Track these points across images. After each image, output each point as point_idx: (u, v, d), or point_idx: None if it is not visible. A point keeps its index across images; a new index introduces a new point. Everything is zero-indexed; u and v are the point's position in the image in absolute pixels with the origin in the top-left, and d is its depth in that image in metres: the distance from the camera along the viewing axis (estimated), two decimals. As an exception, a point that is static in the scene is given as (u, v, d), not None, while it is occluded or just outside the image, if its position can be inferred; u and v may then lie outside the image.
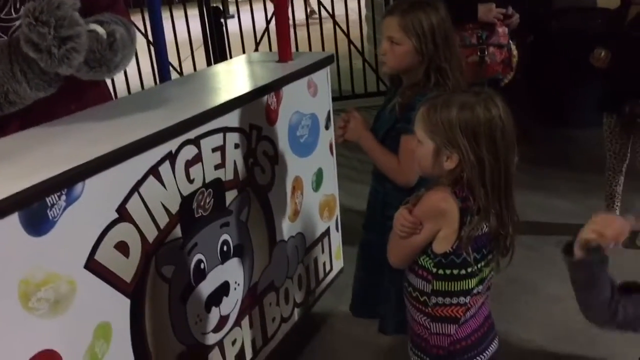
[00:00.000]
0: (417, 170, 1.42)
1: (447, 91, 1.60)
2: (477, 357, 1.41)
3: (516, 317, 2.31)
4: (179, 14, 5.24)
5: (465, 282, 1.36)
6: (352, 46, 5.40)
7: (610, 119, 2.77)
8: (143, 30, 5.18)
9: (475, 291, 1.37)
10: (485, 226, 1.31)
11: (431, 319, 1.39)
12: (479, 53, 2.77)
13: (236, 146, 1.76)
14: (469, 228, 1.29)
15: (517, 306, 2.39)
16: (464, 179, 1.29)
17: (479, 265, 1.35)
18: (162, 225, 1.49)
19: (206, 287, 1.66)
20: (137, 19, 5.32)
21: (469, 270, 1.34)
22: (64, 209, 1.21)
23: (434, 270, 1.35)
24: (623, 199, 2.89)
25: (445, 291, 1.36)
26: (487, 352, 1.43)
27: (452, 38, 1.69)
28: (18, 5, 1.44)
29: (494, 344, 1.45)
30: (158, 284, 1.49)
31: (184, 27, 5.23)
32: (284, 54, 2.17)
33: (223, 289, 1.73)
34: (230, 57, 5.29)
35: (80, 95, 1.61)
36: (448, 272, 1.35)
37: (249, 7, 5.41)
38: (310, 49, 5.12)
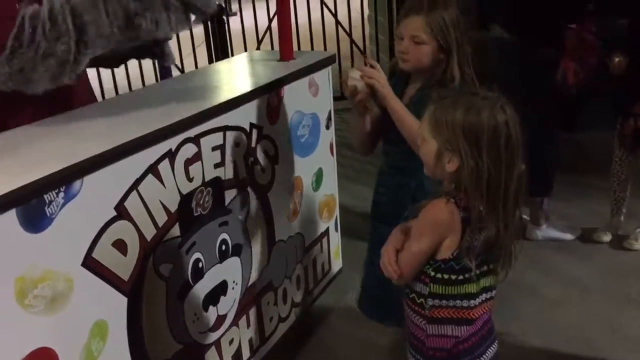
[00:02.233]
0: (425, 169, 1.40)
1: (468, 88, 1.61)
2: None
3: (515, 319, 2.31)
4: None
5: (463, 287, 1.35)
6: (354, 46, 5.39)
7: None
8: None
9: (479, 299, 1.36)
10: (484, 234, 1.30)
11: (428, 321, 1.38)
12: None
13: (236, 145, 1.75)
14: (469, 237, 1.29)
15: (517, 309, 2.39)
16: (463, 184, 1.28)
17: (477, 272, 1.34)
18: (160, 224, 1.48)
19: (204, 286, 1.66)
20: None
21: (467, 275, 1.34)
22: (62, 206, 1.21)
23: (432, 274, 1.35)
24: (629, 205, 2.88)
25: (442, 294, 1.36)
26: (486, 355, 1.42)
27: (466, 34, 1.70)
28: None
29: (493, 347, 1.44)
30: (155, 283, 1.49)
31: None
32: (286, 53, 2.16)
33: (221, 288, 1.73)
34: (232, 55, 5.28)
35: (88, 88, 1.61)
36: (446, 276, 1.34)
37: (251, 5, 5.39)
38: (312, 49, 5.12)
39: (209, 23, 5.18)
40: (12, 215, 1.11)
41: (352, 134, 1.81)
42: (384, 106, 1.67)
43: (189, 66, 5.20)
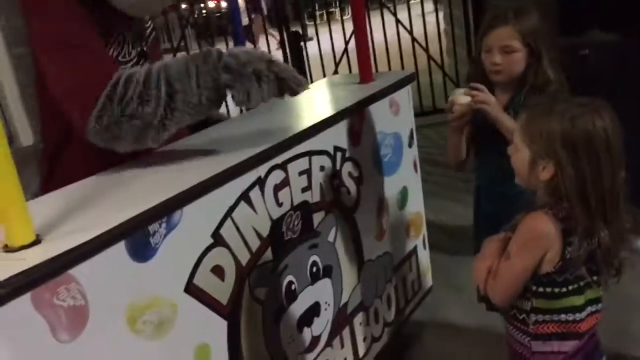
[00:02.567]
0: (517, 179, 1.38)
1: (564, 92, 1.66)
2: None
3: (621, 334, 2.19)
4: (261, 39, 5.41)
5: (568, 299, 1.31)
6: (431, 61, 5.36)
7: None
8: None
9: (585, 312, 1.32)
10: (588, 245, 1.26)
11: (532, 337, 1.35)
12: None
13: (322, 168, 1.80)
14: (572, 249, 1.25)
15: (622, 324, 2.27)
16: (563, 193, 1.25)
17: (580, 284, 1.30)
18: (254, 249, 1.54)
19: (298, 308, 1.70)
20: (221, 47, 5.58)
21: (570, 288, 1.30)
22: (165, 236, 1.28)
23: (534, 288, 1.32)
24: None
25: (546, 309, 1.32)
26: (594, 371, 1.37)
27: (551, 38, 1.76)
28: (130, 49, 1.57)
29: None
30: (252, 306, 1.54)
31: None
32: (366, 75, 2.20)
33: (314, 310, 1.76)
34: (311, 79, 5.40)
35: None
36: (548, 290, 1.31)
37: (327, 29, 5.50)
38: (389, 68, 5.14)
39: (287, 49, 5.33)
40: (121, 246, 1.19)
41: (449, 153, 1.86)
42: (493, 126, 1.70)
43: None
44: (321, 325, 1.80)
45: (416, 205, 2.34)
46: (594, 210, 1.23)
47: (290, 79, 1.44)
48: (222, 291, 1.44)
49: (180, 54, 1.46)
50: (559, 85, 1.71)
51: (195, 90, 1.39)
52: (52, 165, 1.58)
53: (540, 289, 1.31)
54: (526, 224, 1.29)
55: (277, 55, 5.37)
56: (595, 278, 1.32)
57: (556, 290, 1.30)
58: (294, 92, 1.46)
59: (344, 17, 5.72)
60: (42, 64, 1.46)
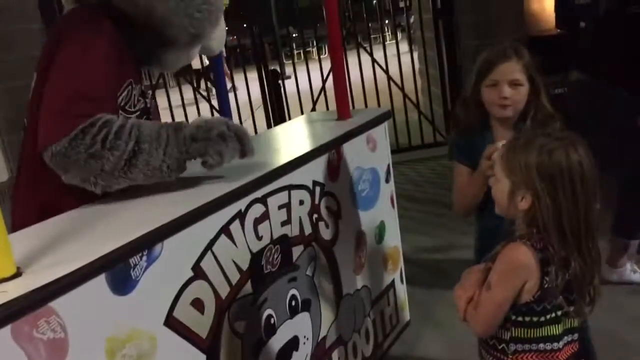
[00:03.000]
0: (497, 209, 1.42)
1: (557, 124, 1.73)
2: None
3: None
4: (238, 77, 5.49)
5: (546, 328, 1.34)
6: (407, 99, 5.48)
7: None
8: (206, 96, 5.45)
9: (562, 342, 1.35)
10: (565, 274, 1.30)
11: None
12: None
13: (301, 203, 1.82)
14: (550, 278, 1.29)
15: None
16: (540, 223, 1.29)
17: (558, 313, 1.33)
18: (234, 282, 1.55)
19: (277, 342, 1.70)
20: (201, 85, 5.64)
21: (548, 317, 1.33)
22: (145, 268, 1.29)
23: (513, 317, 1.34)
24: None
25: (525, 338, 1.34)
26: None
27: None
28: (136, 101, 1.61)
29: None
30: (231, 340, 1.54)
31: (244, 90, 5.47)
32: (343, 112, 2.25)
33: (293, 344, 1.77)
34: (289, 117, 5.47)
35: None
36: (527, 319, 1.33)
37: (304, 67, 5.60)
38: (366, 106, 5.23)
39: (265, 88, 5.41)
40: (102, 279, 1.19)
41: (465, 198, 1.84)
42: None
43: (248, 129, 5.41)
44: (300, 359, 1.80)
45: (393, 239, 2.37)
46: (569, 240, 1.28)
47: (245, 136, 1.55)
48: (201, 325, 1.44)
49: (152, 122, 1.56)
50: (560, 120, 1.76)
51: (161, 156, 1.44)
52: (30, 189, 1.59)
53: (520, 318, 1.33)
54: (506, 254, 1.32)
55: (255, 92, 5.45)
56: (572, 308, 1.35)
57: (535, 319, 1.33)
58: (252, 151, 1.57)
59: (321, 57, 5.85)
60: (52, 66, 1.46)
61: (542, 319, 1.33)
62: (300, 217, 1.82)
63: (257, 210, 1.64)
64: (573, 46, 3.65)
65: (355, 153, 2.10)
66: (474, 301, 1.37)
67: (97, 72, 1.46)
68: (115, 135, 1.40)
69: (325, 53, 9.15)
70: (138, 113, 1.62)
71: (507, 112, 1.77)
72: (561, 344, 1.35)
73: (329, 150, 1.97)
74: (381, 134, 2.29)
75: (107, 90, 1.49)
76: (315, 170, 1.90)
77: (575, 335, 1.38)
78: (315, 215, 1.89)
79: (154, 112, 1.83)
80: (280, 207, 1.73)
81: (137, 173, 1.43)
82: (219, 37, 1.91)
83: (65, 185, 1.46)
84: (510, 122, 1.80)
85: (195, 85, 5.48)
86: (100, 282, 1.19)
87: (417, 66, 5.92)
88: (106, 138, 1.38)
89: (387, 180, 2.32)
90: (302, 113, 4.90)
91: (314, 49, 10.94)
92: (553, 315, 1.33)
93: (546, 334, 1.34)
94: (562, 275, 1.29)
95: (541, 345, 1.34)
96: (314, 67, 5.64)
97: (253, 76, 5.54)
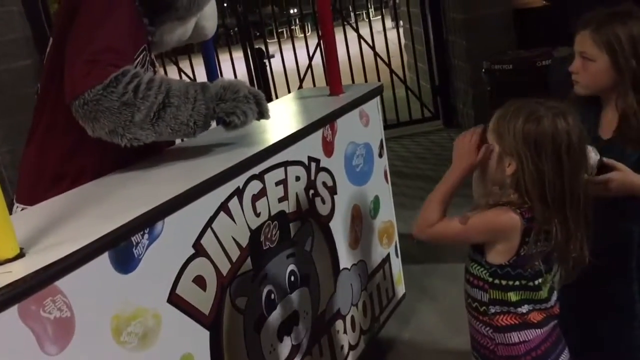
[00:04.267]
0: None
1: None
2: None
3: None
4: (224, 57, 5.43)
5: (523, 293, 1.37)
6: (394, 75, 5.47)
7: None
8: (191, 75, 5.40)
9: (548, 304, 1.38)
10: (543, 246, 1.32)
11: (493, 329, 1.39)
12: None
13: (297, 179, 1.82)
14: (528, 247, 1.31)
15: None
16: (523, 189, 1.31)
17: (536, 282, 1.36)
18: (234, 259, 1.55)
19: (277, 317, 1.71)
20: (184, 65, 5.56)
21: (524, 282, 1.35)
22: (147, 246, 1.29)
23: (490, 279, 1.37)
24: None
25: (503, 300, 1.37)
26: (560, 360, 1.42)
27: None
28: (147, 67, 1.62)
29: (564, 354, 1.44)
30: (233, 315, 1.55)
31: (230, 69, 5.42)
32: (336, 88, 2.25)
33: (293, 318, 1.78)
34: (276, 95, 5.44)
35: None
36: (504, 282, 1.36)
37: (290, 47, 5.56)
38: (352, 81, 5.22)
39: (251, 66, 5.37)
40: (105, 258, 1.19)
41: None
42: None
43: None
44: (301, 333, 1.81)
45: (388, 214, 2.38)
46: (551, 208, 1.29)
47: (263, 99, 1.62)
48: (204, 301, 1.45)
49: (179, 79, 1.61)
50: None
51: (189, 111, 1.47)
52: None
53: (497, 281, 1.37)
54: (491, 212, 1.34)
55: (241, 72, 5.41)
56: (551, 273, 1.38)
57: (510, 283, 1.36)
58: (268, 113, 1.65)
59: (306, 34, 5.80)
60: (75, 25, 1.46)
61: (517, 283, 1.35)
62: (296, 193, 1.82)
63: (255, 186, 1.64)
64: (560, 19, 3.64)
65: (349, 128, 2.10)
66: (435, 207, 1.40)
67: (122, 28, 1.48)
68: (147, 86, 1.41)
69: (309, 31, 9.09)
70: None
71: (577, 89, 1.58)
72: (547, 304, 1.38)
73: (323, 126, 1.97)
74: (373, 108, 2.29)
75: (130, 48, 1.51)
76: (311, 146, 1.90)
77: (552, 301, 1.40)
78: (311, 191, 1.89)
79: None
80: (277, 184, 1.73)
81: (164, 126, 1.45)
82: (212, 16, 1.90)
83: (80, 150, 1.51)
84: (611, 98, 1.54)
85: (179, 66, 5.42)
86: (103, 261, 1.19)
87: (402, 42, 5.90)
88: (138, 88, 1.40)
89: (380, 155, 2.33)
90: (289, 91, 4.89)
91: (297, 27, 10.87)
92: (531, 283, 1.35)
93: (525, 297, 1.37)
94: (543, 245, 1.31)
95: (521, 308, 1.36)
96: (298, 45, 5.60)
97: (237, 55, 5.50)
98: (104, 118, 1.39)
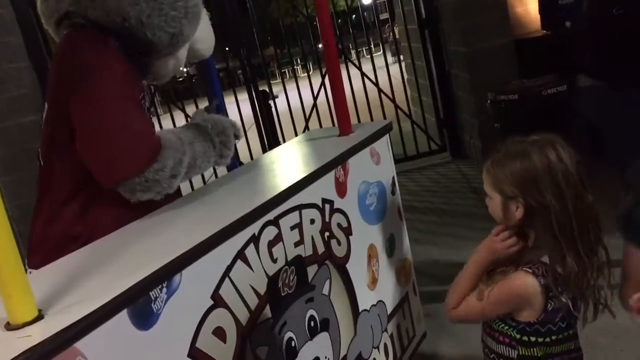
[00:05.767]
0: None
1: None
2: None
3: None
4: (229, 99, 5.48)
5: (554, 348, 1.33)
6: (398, 110, 5.49)
7: None
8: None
9: (577, 354, 1.34)
10: (567, 299, 1.30)
11: None
12: None
13: (312, 222, 1.80)
14: (555, 301, 1.30)
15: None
16: (532, 227, 1.29)
17: (564, 334, 1.33)
18: (253, 307, 1.52)
19: (299, 365, 1.67)
20: (190, 109, 5.62)
21: (554, 338, 1.32)
22: (166, 301, 1.26)
23: (518, 336, 1.34)
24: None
25: (534, 357, 1.34)
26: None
27: None
28: (148, 104, 1.75)
29: None
30: (255, 366, 1.51)
31: (235, 111, 5.46)
32: (345, 127, 2.24)
33: (315, 365, 1.74)
34: (283, 135, 5.45)
35: None
36: (533, 339, 1.33)
37: (293, 86, 5.60)
38: (358, 120, 5.24)
39: (256, 108, 5.41)
40: (124, 315, 1.17)
41: None
42: None
43: (242, 150, 5.39)
44: (323, 380, 1.77)
45: (404, 252, 2.35)
46: (564, 239, 1.27)
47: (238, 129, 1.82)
48: (224, 353, 1.41)
49: (193, 125, 1.77)
50: None
51: (209, 166, 1.70)
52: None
53: (525, 338, 1.34)
54: (509, 282, 1.32)
55: (245, 114, 5.43)
56: (571, 332, 1.35)
57: (540, 339, 1.33)
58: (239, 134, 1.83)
59: (305, 74, 5.85)
60: (80, 114, 1.49)
61: (548, 339, 1.32)
62: (312, 236, 1.79)
63: (270, 232, 1.61)
64: (560, 47, 3.65)
65: (360, 168, 2.09)
66: (462, 290, 1.41)
67: (129, 95, 1.55)
68: (181, 154, 1.57)
69: (311, 70, 9.17)
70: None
71: None
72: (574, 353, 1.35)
73: (335, 167, 1.95)
74: (384, 146, 2.28)
75: (137, 97, 1.60)
76: (324, 188, 1.88)
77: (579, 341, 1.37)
78: (327, 233, 1.87)
79: None
80: (292, 228, 1.71)
81: (184, 179, 1.63)
82: (205, 39, 1.90)
83: (90, 209, 1.57)
84: None
85: (185, 112, 5.46)
86: (122, 319, 1.16)
87: (405, 76, 5.94)
88: (176, 158, 1.54)
89: (393, 193, 2.31)
90: (295, 132, 4.90)
91: (299, 67, 10.99)
92: (561, 335, 1.32)
93: (556, 352, 1.34)
94: (567, 294, 1.30)
95: None
96: (301, 84, 5.65)
97: (242, 97, 5.54)
98: (156, 188, 1.53)
